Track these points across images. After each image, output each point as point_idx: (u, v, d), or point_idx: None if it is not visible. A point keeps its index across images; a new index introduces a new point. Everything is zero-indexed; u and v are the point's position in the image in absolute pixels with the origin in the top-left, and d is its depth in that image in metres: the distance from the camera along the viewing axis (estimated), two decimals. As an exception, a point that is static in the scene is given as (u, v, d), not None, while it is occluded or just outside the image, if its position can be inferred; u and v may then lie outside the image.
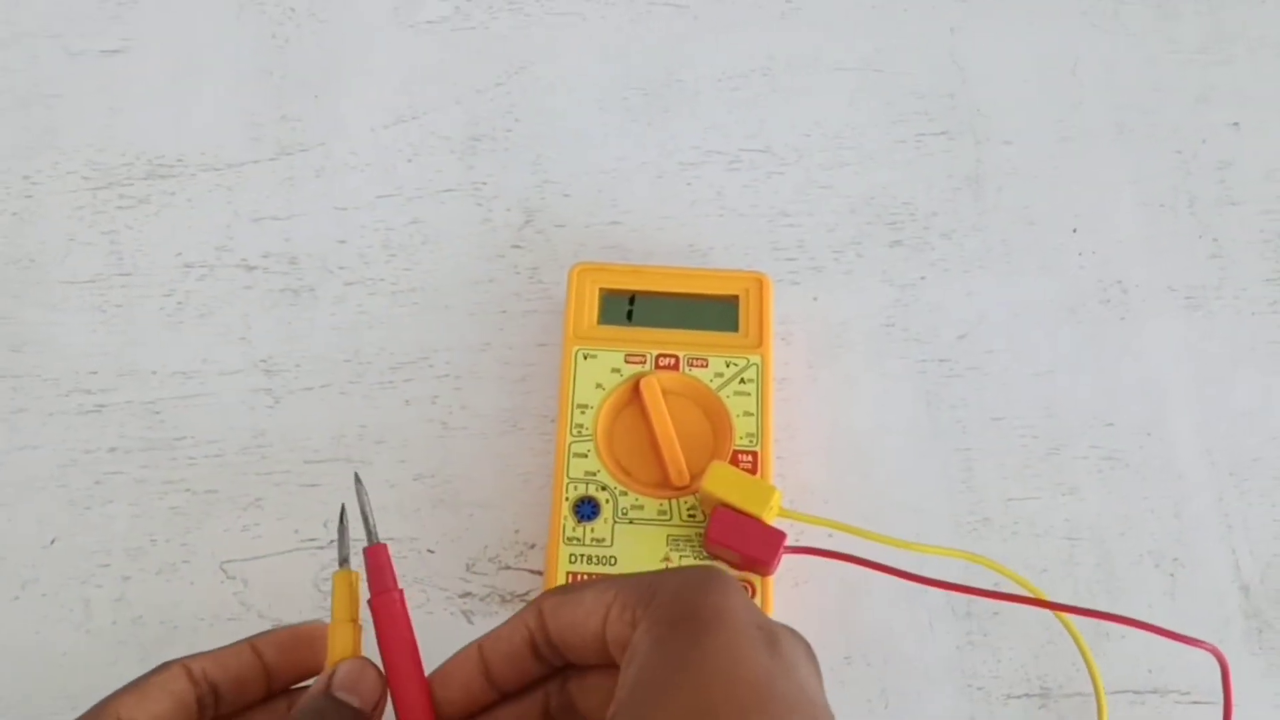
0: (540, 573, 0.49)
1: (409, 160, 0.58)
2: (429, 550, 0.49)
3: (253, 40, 0.61)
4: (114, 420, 0.52)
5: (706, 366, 0.49)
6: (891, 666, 0.47)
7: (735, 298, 0.51)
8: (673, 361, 0.50)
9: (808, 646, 0.35)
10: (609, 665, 0.36)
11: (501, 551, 0.49)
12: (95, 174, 0.57)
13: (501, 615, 0.48)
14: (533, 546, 0.49)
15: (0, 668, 0.47)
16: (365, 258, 0.55)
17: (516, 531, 0.50)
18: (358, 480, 0.41)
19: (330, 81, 0.60)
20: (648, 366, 0.50)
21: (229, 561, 0.49)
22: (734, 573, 0.46)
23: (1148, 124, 0.60)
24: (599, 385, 0.49)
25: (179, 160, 0.58)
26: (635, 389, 0.49)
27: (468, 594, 0.49)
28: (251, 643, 0.40)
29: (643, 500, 0.47)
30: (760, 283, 0.51)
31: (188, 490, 0.50)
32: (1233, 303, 0.56)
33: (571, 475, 0.48)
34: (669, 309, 0.51)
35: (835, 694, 0.46)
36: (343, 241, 0.56)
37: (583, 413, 0.49)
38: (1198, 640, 0.45)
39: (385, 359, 0.53)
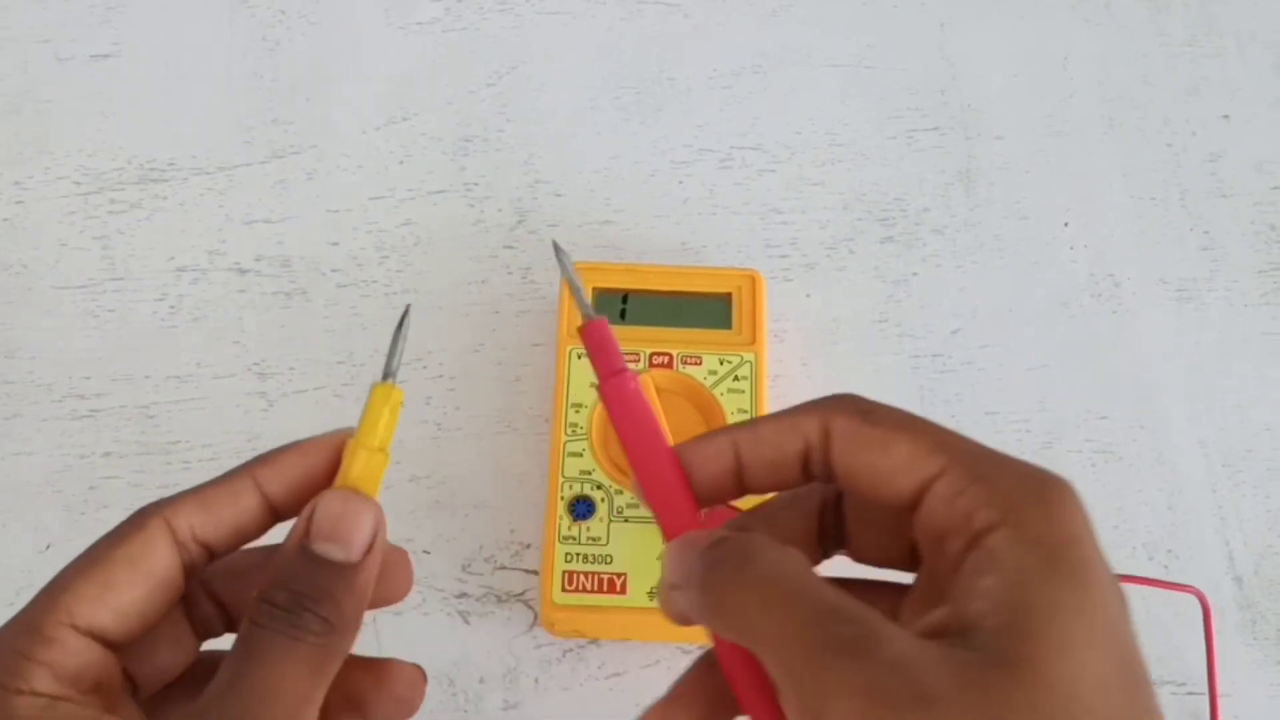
0: (536, 572, 0.49)
1: (401, 162, 0.58)
2: (425, 551, 0.49)
3: (243, 43, 0.61)
4: (108, 425, 0.51)
5: (700, 364, 0.49)
6: (888, 662, 0.47)
7: (728, 295, 0.51)
8: (666, 359, 0.50)
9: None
10: (895, 511, 0.29)
11: (497, 552, 0.49)
12: (86, 179, 0.57)
13: (498, 615, 0.48)
14: (528, 546, 0.49)
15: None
16: (358, 260, 0.55)
17: (512, 531, 0.50)
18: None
19: (321, 84, 0.60)
20: (641, 365, 0.50)
21: (225, 565, 0.49)
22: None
23: (1138, 117, 0.60)
24: (593, 384, 0.49)
25: (170, 164, 0.58)
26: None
27: (463, 594, 0.49)
28: (252, 473, 0.31)
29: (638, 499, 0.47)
30: (753, 280, 0.51)
31: (183, 494, 0.50)
32: (1224, 295, 0.56)
33: (566, 474, 0.48)
34: (662, 307, 0.51)
35: (832, 690, 0.46)
36: (335, 244, 0.56)
37: (577, 412, 0.49)
38: (1181, 585, 0.47)
39: (379, 361, 0.53)
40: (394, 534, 0.49)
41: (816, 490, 0.32)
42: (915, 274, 0.56)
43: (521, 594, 0.49)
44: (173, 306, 0.54)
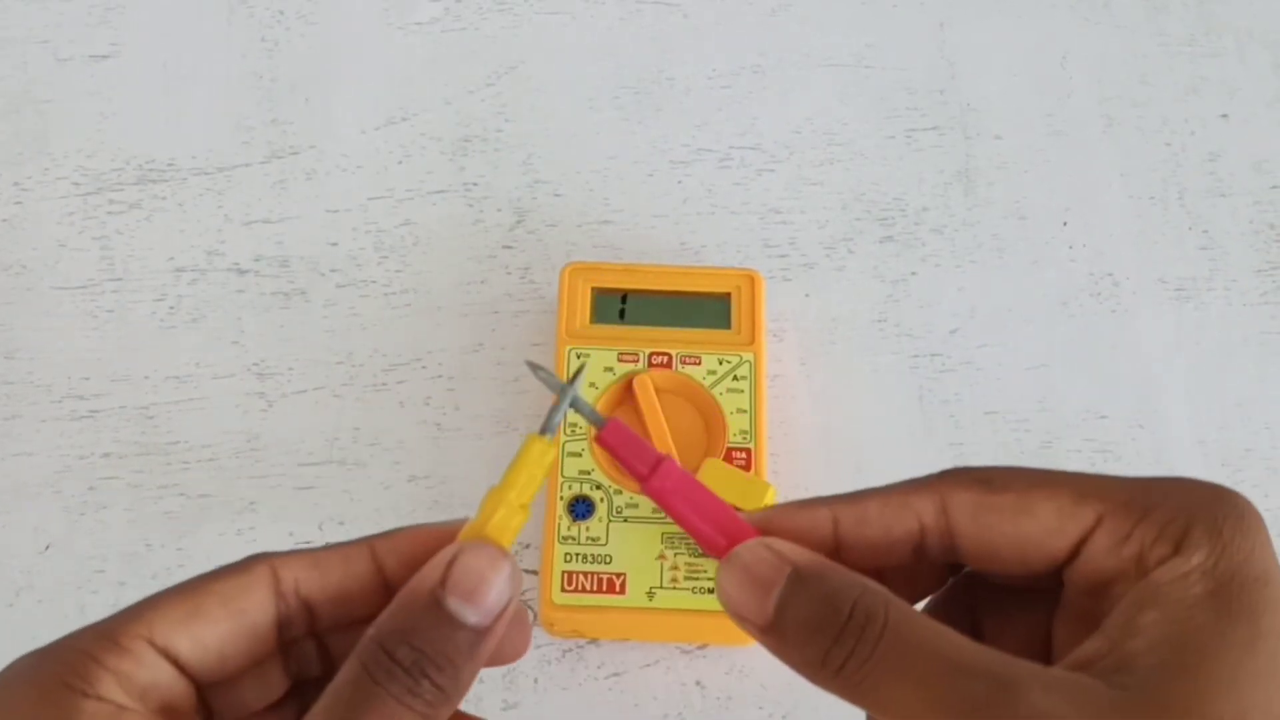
0: (535, 572, 0.49)
1: (400, 162, 0.58)
2: (424, 551, 0.49)
3: (242, 43, 0.61)
4: (107, 426, 0.51)
5: (699, 364, 0.49)
6: (887, 661, 0.47)
7: (727, 295, 0.51)
8: (666, 359, 0.50)
9: None
10: (1033, 583, 0.28)
11: (497, 552, 0.49)
12: (85, 179, 0.57)
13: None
14: (527, 546, 0.49)
15: (-3, 674, 0.47)
16: (357, 260, 0.55)
17: (511, 531, 0.50)
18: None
19: (320, 84, 0.60)
20: (641, 365, 0.50)
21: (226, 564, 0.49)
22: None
23: (1137, 116, 0.60)
24: (592, 384, 0.49)
25: (170, 164, 0.58)
26: (628, 388, 0.49)
27: (463, 595, 0.49)
28: (371, 544, 0.29)
29: (637, 499, 0.47)
30: (752, 280, 0.51)
31: (182, 495, 0.50)
32: (1223, 294, 0.56)
33: (566, 474, 0.48)
34: (661, 307, 0.51)
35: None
36: (334, 244, 0.56)
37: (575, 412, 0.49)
38: None
39: (378, 361, 0.53)
40: (393, 534, 0.50)
41: (912, 512, 0.28)
42: (914, 274, 0.56)
43: (522, 594, 0.48)
44: (172, 307, 0.54)
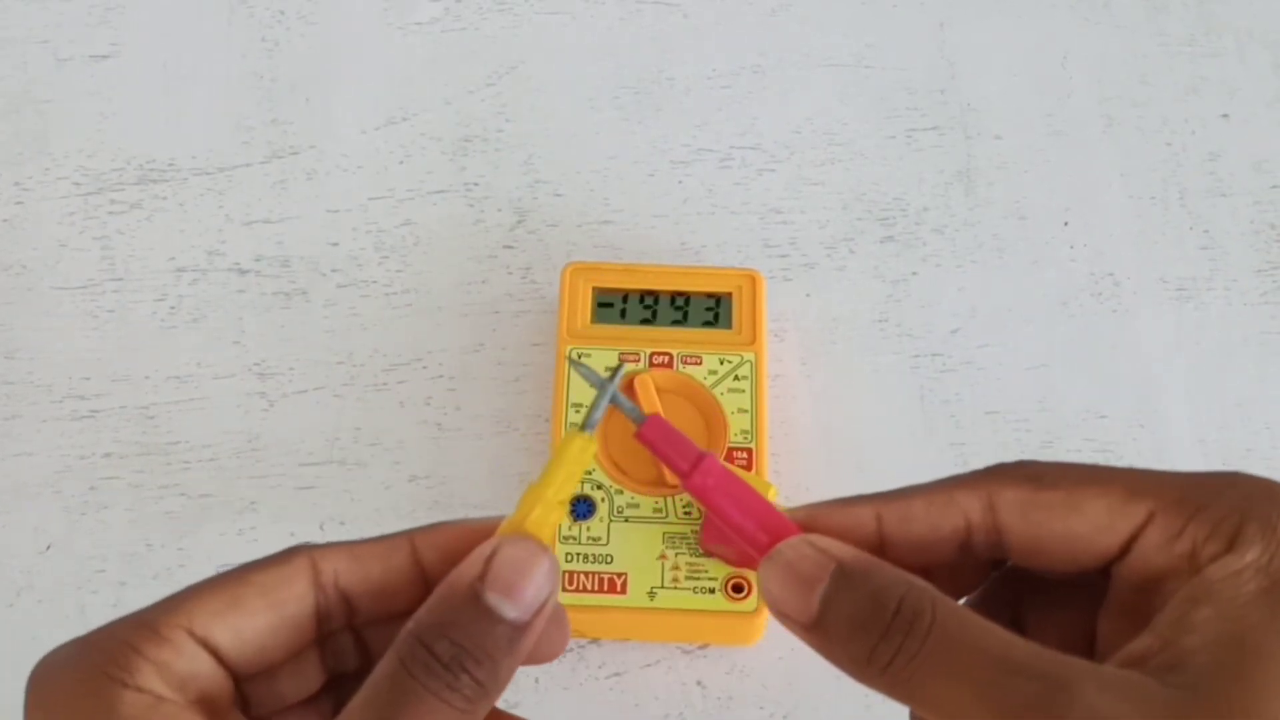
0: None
1: (400, 162, 0.58)
2: (425, 551, 0.49)
3: (242, 43, 0.61)
4: (108, 426, 0.51)
5: (700, 364, 0.49)
6: (888, 661, 0.47)
7: (728, 295, 0.51)
8: (666, 359, 0.50)
9: None
10: (1079, 578, 0.28)
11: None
12: (86, 179, 0.57)
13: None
14: (529, 546, 0.49)
15: (-3, 675, 0.47)
16: (357, 260, 0.55)
17: (512, 531, 0.50)
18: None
19: (321, 84, 0.60)
20: (641, 365, 0.50)
21: (225, 565, 0.49)
22: (729, 569, 0.46)
23: (1137, 116, 0.60)
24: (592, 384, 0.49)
25: (170, 164, 0.57)
26: (630, 387, 0.49)
27: (464, 594, 0.49)
28: (411, 538, 0.29)
29: (638, 499, 0.47)
30: (753, 280, 0.51)
31: (183, 495, 0.50)
32: (1224, 294, 0.56)
33: None
34: (663, 307, 0.51)
35: (831, 689, 0.46)
36: (335, 244, 0.56)
37: (577, 412, 0.49)
38: None
39: (379, 361, 0.53)
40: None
41: (958, 509, 0.28)
42: (915, 273, 0.56)
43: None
44: (173, 307, 0.54)
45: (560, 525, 0.47)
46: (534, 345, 0.53)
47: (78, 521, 0.50)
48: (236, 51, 0.60)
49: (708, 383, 0.49)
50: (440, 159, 0.58)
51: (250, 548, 0.49)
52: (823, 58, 0.61)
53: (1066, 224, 0.57)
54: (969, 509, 0.27)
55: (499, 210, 0.57)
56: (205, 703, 0.26)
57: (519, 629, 0.26)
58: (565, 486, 0.29)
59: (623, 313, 0.51)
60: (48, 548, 0.49)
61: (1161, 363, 0.54)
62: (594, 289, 0.51)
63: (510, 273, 0.55)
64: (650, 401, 0.48)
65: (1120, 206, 0.58)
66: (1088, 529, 0.26)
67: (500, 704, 0.47)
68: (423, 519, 0.50)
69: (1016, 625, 0.29)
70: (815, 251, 0.56)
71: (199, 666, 0.26)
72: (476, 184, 0.57)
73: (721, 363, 0.50)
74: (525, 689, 0.47)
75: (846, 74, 0.61)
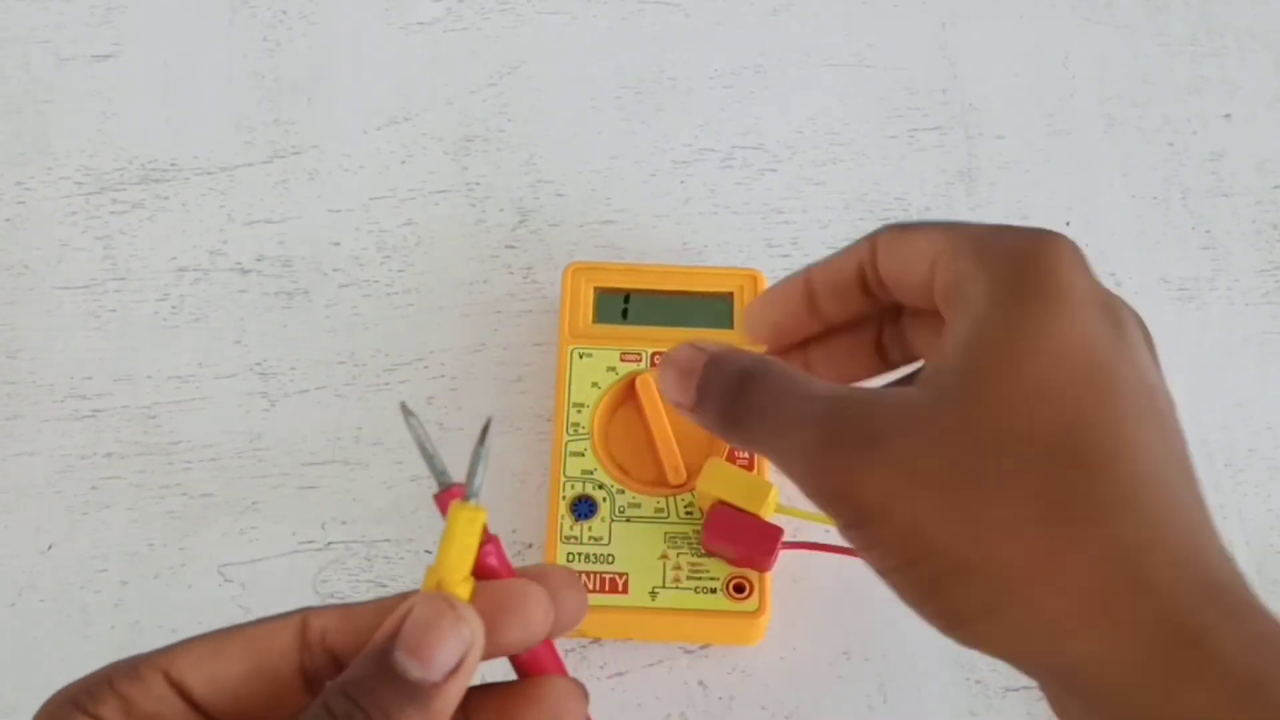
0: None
1: (402, 162, 0.58)
2: (426, 551, 0.49)
3: (244, 43, 0.61)
4: (110, 425, 0.51)
5: (702, 364, 0.49)
6: (890, 661, 0.47)
7: (730, 295, 0.51)
8: (668, 359, 0.50)
9: (1144, 326, 0.32)
10: (938, 311, 0.33)
11: (499, 551, 0.49)
12: (88, 179, 0.57)
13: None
14: (530, 546, 0.49)
15: (-1, 674, 0.47)
16: (359, 260, 0.55)
17: (514, 531, 0.50)
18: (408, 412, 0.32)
19: (323, 84, 0.60)
20: (643, 365, 0.50)
21: (227, 565, 0.49)
22: (730, 569, 0.46)
23: (1139, 116, 0.60)
24: (595, 384, 0.49)
25: (172, 164, 0.58)
26: (631, 387, 0.49)
27: (466, 594, 0.49)
28: (407, 595, 0.29)
29: (640, 498, 0.47)
30: (754, 279, 0.51)
31: (184, 494, 0.50)
32: (1226, 294, 0.56)
33: (568, 474, 0.48)
34: (664, 307, 0.51)
35: (834, 689, 0.47)
36: (336, 244, 0.56)
37: (579, 411, 0.49)
38: None
39: (380, 361, 0.53)
40: (395, 534, 0.50)
41: (871, 320, 0.36)
42: (916, 273, 0.56)
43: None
44: (174, 307, 0.54)
45: (561, 526, 0.47)
46: (536, 345, 0.53)
47: (79, 521, 0.50)
48: (238, 51, 0.60)
49: (709, 382, 0.49)
50: (442, 159, 0.58)
51: (252, 547, 0.49)
52: (824, 58, 0.61)
53: (1068, 224, 0.57)
54: (860, 251, 0.34)
55: (501, 210, 0.57)
56: None
57: (427, 690, 0.26)
58: (461, 563, 0.28)
59: (624, 312, 0.51)
60: (49, 547, 0.49)
61: (1163, 363, 0.54)
62: (595, 289, 0.51)
63: (512, 272, 0.55)
64: (653, 403, 0.48)
65: (1122, 206, 0.58)
66: (911, 256, 0.33)
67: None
68: (423, 519, 0.50)
69: (906, 359, 0.37)
70: (817, 251, 0.56)
71: (165, 708, 0.27)
72: (478, 184, 0.57)
73: (723, 362, 0.49)
74: (527, 689, 0.47)
75: (848, 74, 0.61)
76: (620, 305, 0.51)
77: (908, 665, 0.47)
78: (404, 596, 0.28)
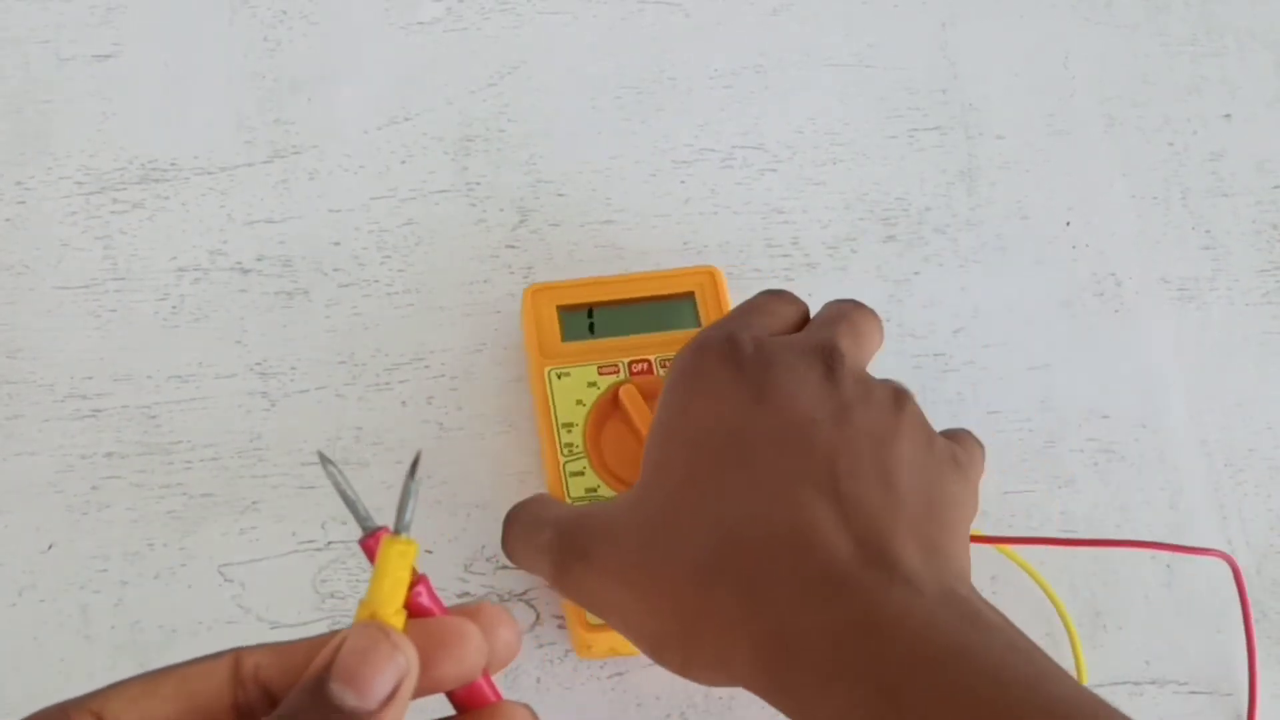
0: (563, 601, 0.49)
1: (402, 161, 0.58)
2: (427, 551, 0.49)
3: (244, 43, 0.61)
4: (110, 425, 0.51)
5: (678, 364, 0.49)
6: (890, 661, 0.47)
7: (691, 294, 0.52)
8: (645, 366, 0.50)
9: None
10: None
11: (499, 552, 0.49)
12: (88, 179, 0.57)
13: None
14: (530, 546, 0.49)
15: (-1, 674, 0.47)
16: (359, 259, 0.55)
17: (514, 531, 0.50)
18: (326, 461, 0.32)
19: (323, 84, 0.60)
20: (622, 375, 0.49)
21: (227, 565, 0.49)
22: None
23: (1139, 116, 0.60)
24: (579, 402, 0.49)
25: (172, 164, 0.58)
26: (615, 399, 0.49)
27: (465, 594, 0.49)
28: (343, 635, 0.29)
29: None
30: (711, 275, 0.52)
31: (185, 494, 0.50)
32: (1226, 294, 0.56)
33: (573, 496, 0.47)
34: (628, 315, 0.51)
35: (834, 689, 0.46)
36: (337, 243, 0.56)
37: (570, 431, 0.48)
38: (1205, 549, 0.48)
39: (380, 360, 0.53)
40: (396, 534, 0.49)
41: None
42: (917, 273, 0.56)
43: (523, 594, 0.49)
44: (174, 306, 0.54)
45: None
46: (536, 345, 0.53)
47: (79, 521, 0.50)
48: (238, 51, 0.60)
49: (694, 381, 0.49)
50: (442, 159, 0.58)
51: (252, 547, 0.49)
52: (824, 57, 0.61)
53: (1069, 224, 0.57)
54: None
55: (501, 210, 0.57)
56: None
57: (363, 718, 0.26)
58: (393, 596, 0.28)
59: (591, 327, 0.51)
60: (49, 547, 0.49)
61: (1163, 363, 0.54)
62: (558, 307, 0.51)
63: (512, 272, 0.55)
64: (640, 411, 0.48)
65: (1122, 206, 0.58)
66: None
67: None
68: (424, 518, 0.50)
69: None
70: (817, 251, 0.56)
71: None
72: (478, 184, 0.57)
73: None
74: (526, 689, 0.47)
75: (848, 74, 0.61)
76: (586, 320, 0.51)
77: (908, 665, 0.47)
78: (335, 633, 0.28)
